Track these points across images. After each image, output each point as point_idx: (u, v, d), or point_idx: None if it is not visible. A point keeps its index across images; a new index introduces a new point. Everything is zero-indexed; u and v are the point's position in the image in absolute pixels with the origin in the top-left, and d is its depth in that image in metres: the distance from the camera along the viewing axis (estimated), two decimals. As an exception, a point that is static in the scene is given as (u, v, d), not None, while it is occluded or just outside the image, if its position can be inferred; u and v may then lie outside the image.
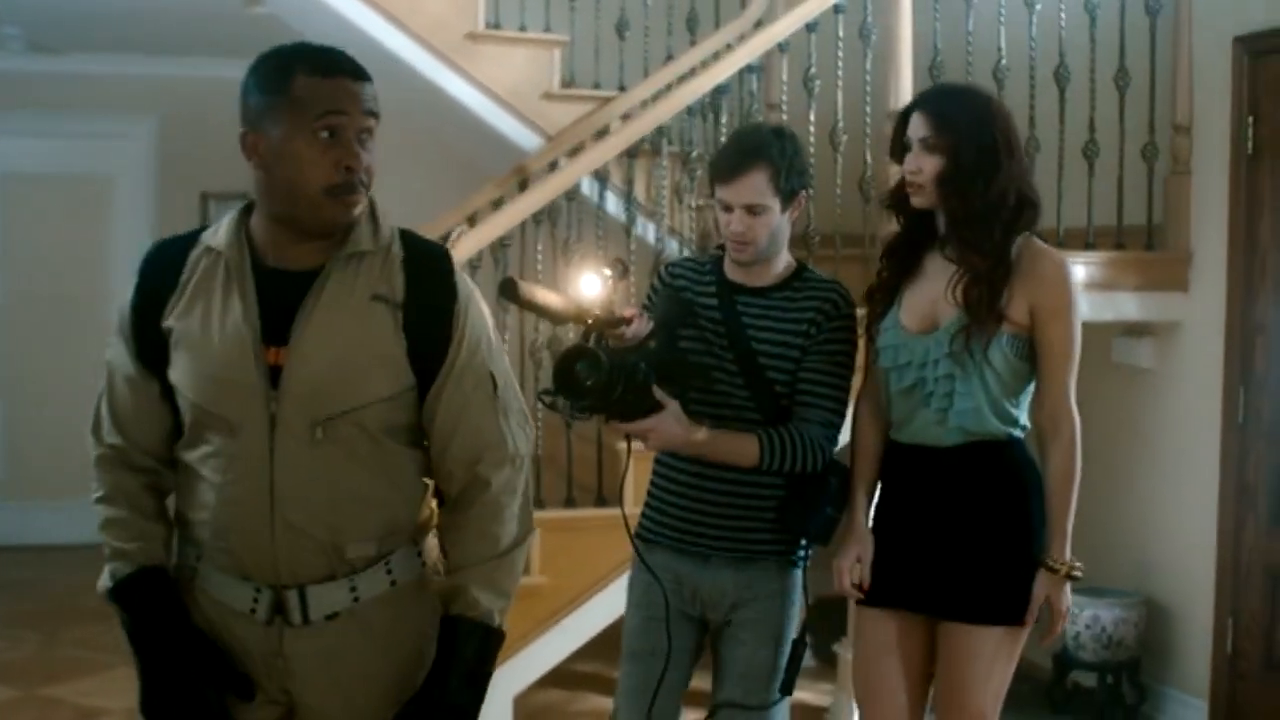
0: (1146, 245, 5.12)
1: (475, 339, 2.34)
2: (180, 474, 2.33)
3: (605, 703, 5.51)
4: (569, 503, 4.73)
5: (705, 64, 5.65)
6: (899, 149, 3.04)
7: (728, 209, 3.04)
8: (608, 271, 2.86)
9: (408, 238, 2.36)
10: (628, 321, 2.87)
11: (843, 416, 3.09)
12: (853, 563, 3.09)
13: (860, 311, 3.15)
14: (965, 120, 2.92)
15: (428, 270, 2.33)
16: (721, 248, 3.20)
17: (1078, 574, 2.98)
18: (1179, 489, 5.19)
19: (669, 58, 5.90)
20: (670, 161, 5.10)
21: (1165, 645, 5.26)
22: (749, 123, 4.95)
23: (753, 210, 3.01)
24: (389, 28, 5.51)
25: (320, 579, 2.27)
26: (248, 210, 2.32)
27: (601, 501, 4.71)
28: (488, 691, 2.34)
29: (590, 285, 2.82)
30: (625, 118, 5.61)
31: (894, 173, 4.68)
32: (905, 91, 4.81)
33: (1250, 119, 4.85)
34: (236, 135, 2.26)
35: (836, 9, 4.89)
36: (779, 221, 3.05)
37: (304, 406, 2.22)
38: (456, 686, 2.28)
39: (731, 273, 3.15)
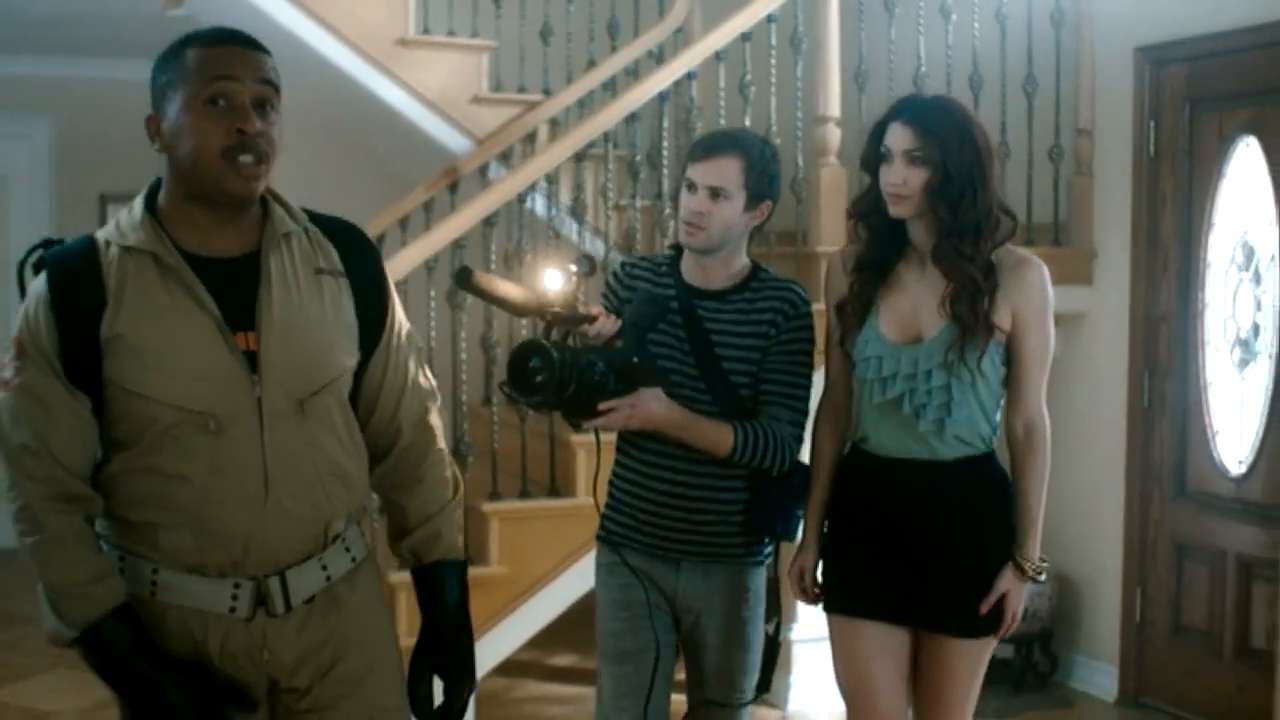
0: (1054, 241, 5.42)
1: (397, 302, 2.47)
2: (124, 486, 2.25)
3: (543, 688, 5.70)
4: (524, 494, 4.85)
5: (629, 70, 5.87)
6: (873, 160, 3.00)
7: (692, 188, 3.05)
8: (573, 267, 2.82)
9: (313, 214, 2.40)
10: (591, 319, 2.86)
11: (806, 415, 3.11)
12: (800, 571, 3.18)
13: (818, 306, 3.18)
14: (951, 132, 2.89)
15: (352, 240, 2.41)
16: (674, 248, 3.24)
17: (1041, 577, 3.04)
18: (1088, 469, 5.44)
19: (591, 63, 6.06)
20: (615, 165, 5.25)
21: (1076, 616, 5.58)
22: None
23: (715, 194, 3.02)
24: (320, 33, 5.56)
25: (297, 561, 2.29)
26: (149, 206, 2.29)
27: (554, 493, 4.85)
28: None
29: (553, 280, 2.79)
30: (552, 120, 5.79)
31: (827, 174, 5.06)
32: (833, 96, 5.08)
33: (1151, 123, 5.18)
34: (135, 136, 2.27)
35: (769, 19, 5.09)
36: (737, 218, 3.05)
37: (287, 386, 2.25)
38: (463, 624, 2.48)
39: (689, 275, 3.14)
